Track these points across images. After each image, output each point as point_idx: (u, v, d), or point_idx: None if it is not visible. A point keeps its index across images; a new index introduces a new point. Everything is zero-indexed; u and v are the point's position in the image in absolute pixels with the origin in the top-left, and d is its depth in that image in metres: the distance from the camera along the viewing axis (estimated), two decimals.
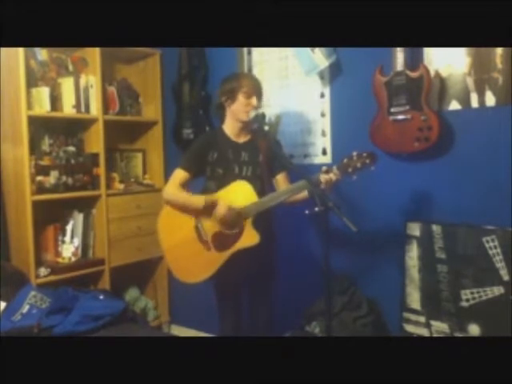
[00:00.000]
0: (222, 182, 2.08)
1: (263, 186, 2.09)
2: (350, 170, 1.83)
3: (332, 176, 1.84)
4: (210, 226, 2.06)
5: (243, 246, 1.99)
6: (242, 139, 2.16)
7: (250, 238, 1.97)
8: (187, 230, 2.11)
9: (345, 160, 1.85)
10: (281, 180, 2.15)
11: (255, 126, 2.10)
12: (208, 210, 2.04)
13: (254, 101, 2.05)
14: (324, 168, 1.87)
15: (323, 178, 1.84)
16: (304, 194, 1.98)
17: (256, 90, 2.08)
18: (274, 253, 2.24)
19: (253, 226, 1.97)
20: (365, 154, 1.82)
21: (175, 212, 2.15)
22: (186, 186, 2.15)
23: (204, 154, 2.14)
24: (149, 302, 3.31)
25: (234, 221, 2.00)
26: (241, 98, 2.06)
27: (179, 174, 2.13)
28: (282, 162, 2.13)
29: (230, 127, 2.15)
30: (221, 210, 2.00)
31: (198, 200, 2.05)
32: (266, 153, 2.11)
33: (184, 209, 2.11)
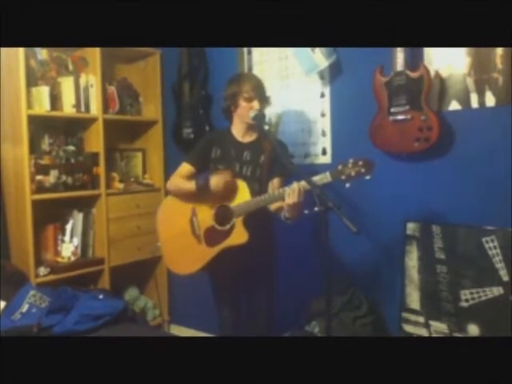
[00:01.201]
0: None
1: (261, 187, 2.09)
2: (343, 177, 1.78)
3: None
4: (203, 221, 2.08)
5: (232, 244, 2.01)
6: (247, 139, 2.17)
7: (239, 236, 1.99)
8: (183, 222, 2.14)
9: (339, 167, 1.79)
10: (276, 185, 2.13)
11: (255, 126, 2.10)
12: (202, 191, 2.05)
13: (255, 104, 2.06)
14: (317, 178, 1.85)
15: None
16: (279, 203, 1.95)
17: (257, 93, 2.07)
18: (272, 251, 2.24)
19: (243, 225, 1.98)
20: (361, 163, 1.76)
21: (174, 205, 2.19)
22: (189, 179, 2.17)
23: (208, 151, 2.17)
24: (148, 302, 3.31)
25: (231, 189, 2.00)
26: (242, 103, 2.07)
27: (184, 168, 2.18)
28: (282, 167, 2.11)
29: (236, 127, 2.18)
30: (214, 180, 2.00)
31: (190, 183, 2.08)
32: (269, 154, 2.12)
33: (182, 195, 2.15)
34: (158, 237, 2.26)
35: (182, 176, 2.16)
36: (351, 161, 1.78)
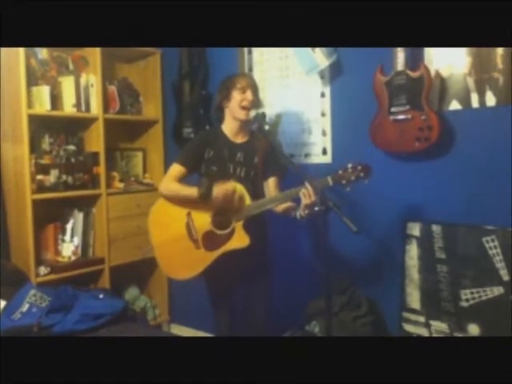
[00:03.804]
0: (215, 180, 2.07)
1: (255, 188, 2.09)
2: (343, 181, 1.82)
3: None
4: (201, 225, 2.06)
5: (233, 248, 1.99)
6: (240, 140, 2.17)
7: (240, 240, 1.98)
8: (178, 226, 2.10)
9: (339, 172, 1.84)
10: (271, 184, 2.14)
11: (255, 126, 2.10)
12: (203, 199, 2.01)
13: (248, 95, 2.06)
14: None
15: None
16: (288, 204, 2.00)
17: (250, 85, 2.09)
18: (267, 253, 2.24)
19: (243, 229, 1.98)
20: (359, 167, 1.82)
21: (167, 209, 2.15)
22: (181, 181, 2.15)
23: (201, 151, 2.15)
24: (148, 301, 3.31)
25: (235, 202, 1.98)
26: (235, 94, 2.07)
27: (175, 169, 2.15)
28: (276, 166, 2.12)
29: (228, 127, 2.16)
30: (219, 193, 1.96)
31: (191, 190, 2.04)
32: (263, 155, 2.11)
33: (179, 200, 2.11)
34: (149, 240, 2.21)
35: (174, 178, 2.12)
36: (350, 165, 1.83)
